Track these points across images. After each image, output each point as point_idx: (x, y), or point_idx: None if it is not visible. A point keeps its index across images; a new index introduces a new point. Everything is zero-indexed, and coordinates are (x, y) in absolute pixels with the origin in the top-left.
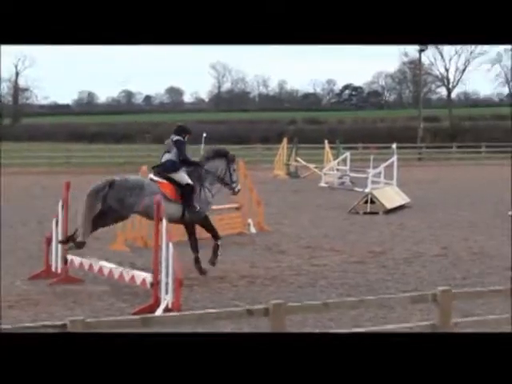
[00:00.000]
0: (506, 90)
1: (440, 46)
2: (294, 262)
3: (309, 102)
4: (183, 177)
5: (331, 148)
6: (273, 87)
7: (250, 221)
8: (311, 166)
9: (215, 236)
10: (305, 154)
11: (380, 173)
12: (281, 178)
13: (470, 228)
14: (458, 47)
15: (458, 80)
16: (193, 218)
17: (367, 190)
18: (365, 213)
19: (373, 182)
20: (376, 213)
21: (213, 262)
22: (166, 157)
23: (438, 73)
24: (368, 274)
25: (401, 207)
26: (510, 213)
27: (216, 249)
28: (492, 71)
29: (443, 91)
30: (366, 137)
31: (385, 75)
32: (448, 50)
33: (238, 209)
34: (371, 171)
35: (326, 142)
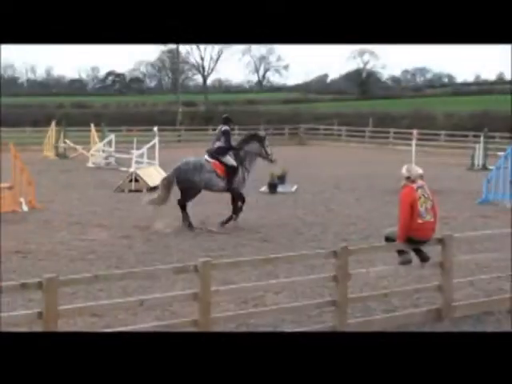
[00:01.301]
0: (255, 78)
1: None
2: (66, 238)
3: (75, 87)
4: (229, 160)
5: (97, 131)
6: (40, 73)
7: (21, 199)
8: (79, 147)
9: (236, 208)
10: (73, 136)
11: (143, 154)
12: (50, 159)
13: (227, 203)
14: None
15: (213, 68)
16: (231, 190)
17: (131, 170)
18: (130, 191)
19: (136, 162)
20: (140, 191)
21: (222, 224)
22: (217, 144)
23: (194, 61)
24: (134, 248)
25: None
26: (261, 189)
27: (230, 218)
28: (243, 60)
29: (199, 78)
30: (129, 120)
31: (146, 63)
32: None
33: (10, 188)
34: (135, 152)
35: (92, 125)
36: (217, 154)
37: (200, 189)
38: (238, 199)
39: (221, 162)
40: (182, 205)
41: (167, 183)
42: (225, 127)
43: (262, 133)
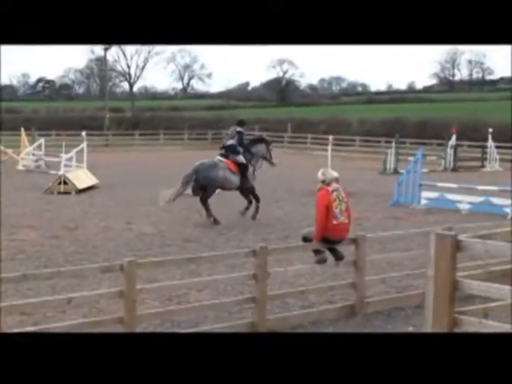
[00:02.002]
0: (179, 85)
1: (123, 46)
2: None
3: (6, 93)
4: (241, 158)
5: (27, 135)
6: None
7: None
8: (9, 151)
9: (256, 198)
10: (3, 140)
11: (72, 157)
12: None
13: (151, 205)
14: (138, 47)
15: (139, 76)
16: (245, 186)
17: (60, 173)
18: (59, 193)
19: (65, 166)
20: (69, 193)
21: (254, 217)
22: (230, 142)
23: (121, 69)
24: (63, 248)
25: (91, 187)
26: (186, 192)
27: (257, 208)
28: (167, 68)
29: (126, 85)
30: (59, 125)
31: (74, 70)
32: (130, 49)
33: None
34: (64, 156)
35: (23, 129)
36: (228, 151)
37: (218, 186)
38: (252, 192)
39: (232, 161)
40: (204, 202)
41: (186, 181)
42: (239, 128)
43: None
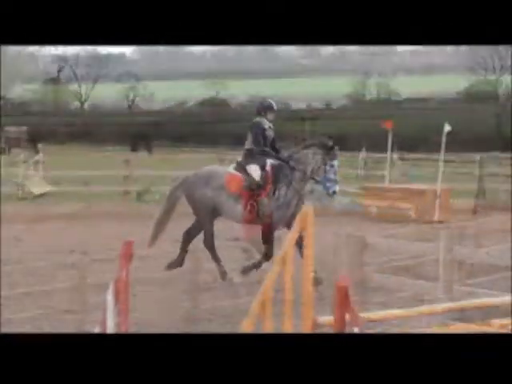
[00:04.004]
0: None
1: (74, 67)
2: None
3: None
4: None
5: None
6: None
7: None
8: None
9: None
10: None
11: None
12: None
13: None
14: (88, 69)
15: (89, 95)
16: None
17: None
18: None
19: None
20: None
21: None
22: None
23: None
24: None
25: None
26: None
27: None
28: (115, 88)
29: (78, 103)
30: None
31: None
32: (80, 70)
33: None
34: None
35: None
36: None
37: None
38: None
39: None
40: None
41: None
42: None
43: None
